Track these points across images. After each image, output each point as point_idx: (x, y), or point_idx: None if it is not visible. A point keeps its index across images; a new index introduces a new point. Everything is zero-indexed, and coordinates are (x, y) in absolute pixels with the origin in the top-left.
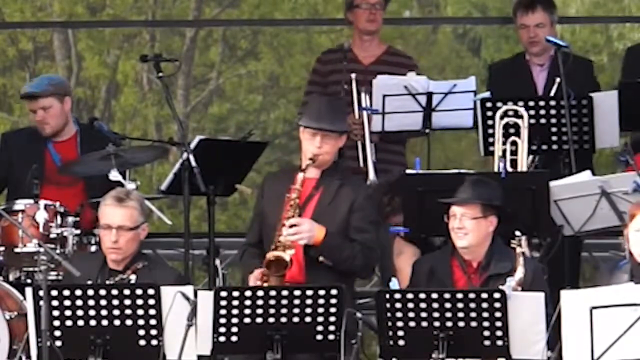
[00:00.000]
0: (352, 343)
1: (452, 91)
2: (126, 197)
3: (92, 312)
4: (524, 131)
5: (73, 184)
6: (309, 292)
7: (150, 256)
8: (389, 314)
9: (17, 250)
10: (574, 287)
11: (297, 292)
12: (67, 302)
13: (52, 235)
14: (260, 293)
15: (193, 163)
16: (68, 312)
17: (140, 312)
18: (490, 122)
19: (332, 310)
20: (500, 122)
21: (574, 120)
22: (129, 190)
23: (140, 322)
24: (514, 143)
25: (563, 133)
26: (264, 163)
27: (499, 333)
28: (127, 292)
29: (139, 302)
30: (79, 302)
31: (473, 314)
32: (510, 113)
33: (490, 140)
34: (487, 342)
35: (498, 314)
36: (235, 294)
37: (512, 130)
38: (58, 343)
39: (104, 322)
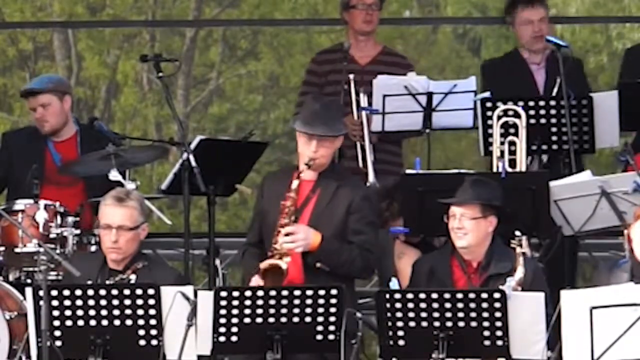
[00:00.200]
0: (352, 343)
1: (452, 91)
2: (126, 197)
3: (92, 312)
4: (522, 131)
5: (73, 184)
6: (309, 292)
7: (150, 256)
8: (389, 314)
9: (17, 250)
10: (571, 287)
11: (297, 292)
12: (67, 302)
13: (52, 235)
14: (260, 293)
15: (193, 163)
16: (68, 312)
17: (140, 312)
18: (490, 122)
19: (332, 310)
20: (498, 122)
21: (574, 120)
22: (129, 190)
23: (140, 322)
24: (513, 143)
25: (563, 133)
26: (264, 163)
27: (499, 333)
28: (127, 292)
29: (139, 302)
30: (79, 302)
31: (473, 314)
32: (510, 113)
33: (490, 140)
34: (487, 342)
35: (498, 314)
36: (235, 294)
37: (512, 130)
38: (58, 343)
39: (104, 322)
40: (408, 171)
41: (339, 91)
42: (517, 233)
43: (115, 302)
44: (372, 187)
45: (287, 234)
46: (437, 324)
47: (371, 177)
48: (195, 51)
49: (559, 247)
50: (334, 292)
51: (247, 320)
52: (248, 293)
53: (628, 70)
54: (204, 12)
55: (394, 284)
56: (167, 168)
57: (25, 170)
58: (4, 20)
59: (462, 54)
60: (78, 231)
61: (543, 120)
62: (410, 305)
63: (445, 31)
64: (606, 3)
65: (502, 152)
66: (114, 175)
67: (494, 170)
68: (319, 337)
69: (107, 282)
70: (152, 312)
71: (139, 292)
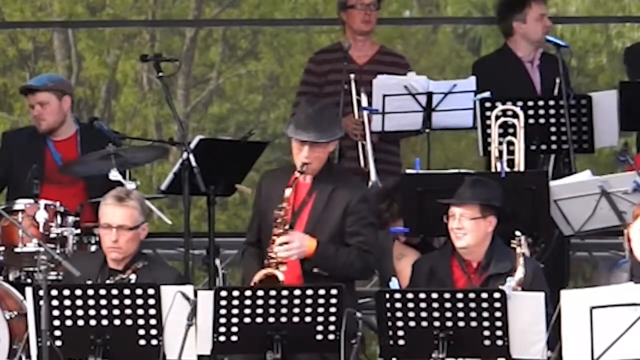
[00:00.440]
0: (352, 343)
1: (452, 91)
2: (126, 197)
3: (92, 312)
4: (520, 131)
5: (73, 183)
6: (309, 292)
7: (150, 256)
8: (389, 314)
9: (17, 250)
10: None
11: (297, 292)
12: (67, 302)
13: (52, 235)
14: (260, 293)
15: (193, 163)
16: (68, 312)
17: (140, 312)
18: (489, 122)
19: (332, 310)
20: (496, 122)
21: (573, 120)
22: (129, 190)
23: (140, 322)
24: (511, 143)
25: (562, 133)
26: (264, 163)
27: (499, 333)
28: (127, 291)
29: (139, 302)
30: (79, 302)
31: (473, 314)
32: (508, 113)
33: (489, 140)
34: (487, 342)
35: (498, 314)
36: (235, 293)
37: (511, 130)
38: (58, 343)
39: (104, 322)
40: (408, 171)
41: (338, 91)
42: (517, 233)
43: (115, 301)
44: (374, 186)
45: (281, 244)
46: (437, 323)
47: (373, 176)
48: (195, 51)
49: (559, 247)
50: (334, 292)
51: (247, 320)
52: (248, 293)
53: (631, 69)
54: (204, 12)
55: (394, 284)
56: (167, 168)
57: (25, 170)
58: (4, 20)
59: (462, 54)
60: (78, 231)
61: (542, 120)
62: (410, 305)
63: (445, 31)
64: (606, 3)
65: (500, 152)
66: (114, 175)
67: (492, 170)
68: (319, 337)
69: (107, 281)
70: (152, 311)
71: (139, 292)
